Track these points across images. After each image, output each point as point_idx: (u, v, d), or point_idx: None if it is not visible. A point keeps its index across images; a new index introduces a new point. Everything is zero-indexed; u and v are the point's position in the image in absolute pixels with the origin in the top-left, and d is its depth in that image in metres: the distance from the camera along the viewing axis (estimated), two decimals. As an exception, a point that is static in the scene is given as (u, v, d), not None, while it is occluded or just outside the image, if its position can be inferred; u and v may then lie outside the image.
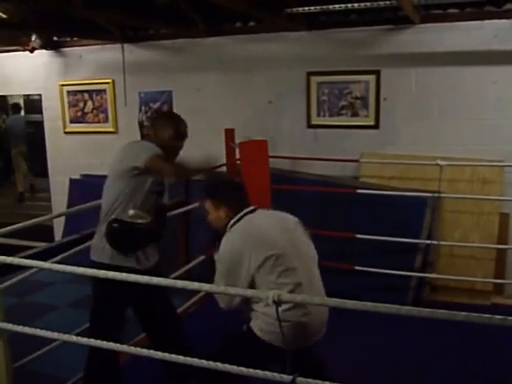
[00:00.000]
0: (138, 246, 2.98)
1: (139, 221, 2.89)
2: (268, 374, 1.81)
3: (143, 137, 3.15)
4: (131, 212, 2.87)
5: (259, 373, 1.82)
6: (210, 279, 2.60)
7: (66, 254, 3.74)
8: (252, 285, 2.48)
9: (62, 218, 6.26)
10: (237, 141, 4.86)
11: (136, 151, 2.91)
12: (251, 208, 2.70)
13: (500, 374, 3.54)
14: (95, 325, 3.03)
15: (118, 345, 2.35)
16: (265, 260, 2.47)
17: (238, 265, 2.48)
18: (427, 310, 1.56)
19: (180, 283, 2.05)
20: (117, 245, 2.91)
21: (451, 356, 3.78)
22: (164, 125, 3.02)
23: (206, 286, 2.13)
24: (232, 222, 2.64)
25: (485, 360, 3.73)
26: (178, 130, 3.02)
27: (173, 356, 2.12)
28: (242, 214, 2.65)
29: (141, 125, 6.08)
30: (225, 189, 2.78)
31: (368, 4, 4.33)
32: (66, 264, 2.51)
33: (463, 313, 1.52)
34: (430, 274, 4.61)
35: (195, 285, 2.08)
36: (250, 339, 2.59)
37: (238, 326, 2.75)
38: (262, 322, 2.53)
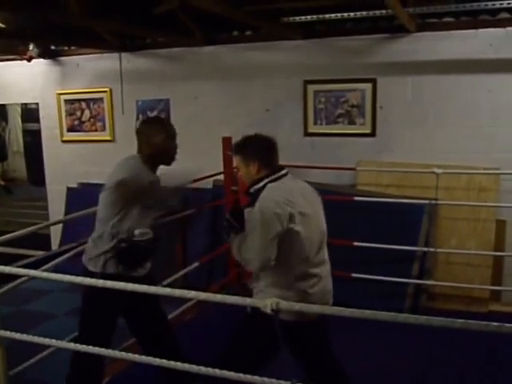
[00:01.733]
0: (144, 260, 3.01)
1: (144, 238, 2.93)
2: (266, 380, 1.81)
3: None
4: (137, 232, 2.90)
5: (257, 379, 1.82)
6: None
7: (60, 260, 3.74)
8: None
9: (59, 227, 6.26)
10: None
11: (116, 171, 2.98)
12: (285, 171, 2.65)
13: (498, 381, 3.54)
14: (84, 336, 2.96)
15: (116, 351, 2.34)
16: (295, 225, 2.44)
17: (274, 223, 2.40)
18: (425, 317, 1.56)
19: (178, 292, 2.06)
20: (127, 263, 2.92)
21: (449, 363, 3.78)
22: (153, 130, 3.01)
23: (202, 295, 2.12)
24: (268, 179, 2.57)
25: (482, 367, 3.73)
26: (168, 130, 3.01)
27: (170, 362, 2.12)
28: (279, 174, 2.60)
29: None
30: (256, 144, 2.69)
31: (364, 13, 4.37)
32: (63, 273, 2.51)
33: (460, 320, 1.52)
34: (427, 281, 4.62)
35: (192, 293, 2.08)
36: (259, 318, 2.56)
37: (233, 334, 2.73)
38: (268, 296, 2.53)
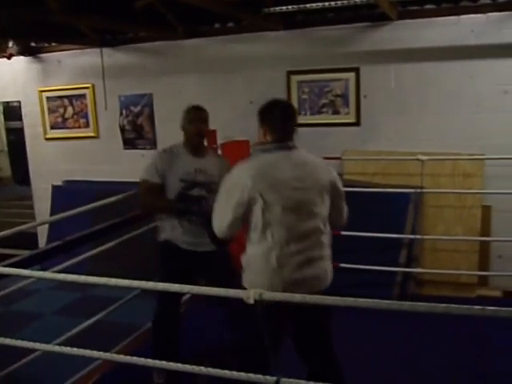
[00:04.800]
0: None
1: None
2: (252, 376, 1.80)
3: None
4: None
5: (242, 375, 1.81)
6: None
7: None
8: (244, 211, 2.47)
9: (46, 225, 6.21)
10: (219, 142, 4.86)
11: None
12: (285, 144, 2.62)
13: (488, 367, 3.55)
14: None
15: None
16: (263, 202, 2.44)
17: (236, 189, 2.47)
18: (408, 303, 1.57)
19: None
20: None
21: (439, 351, 3.80)
22: (183, 116, 3.56)
23: (195, 289, 2.12)
24: (260, 148, 2.60)
25: (471, 352, 3.76)
26: (190, 114, 3.53)
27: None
28: (276, 145, 2.58)
29: (122, 128, 6.05)
30: (271, 111, 2.64)
31: (345, 2, 4.34)
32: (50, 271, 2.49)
33: (443, 305, 1.52)
34: (415, 269, 4.64)
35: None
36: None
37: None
38: (250, 274, 2.53)
